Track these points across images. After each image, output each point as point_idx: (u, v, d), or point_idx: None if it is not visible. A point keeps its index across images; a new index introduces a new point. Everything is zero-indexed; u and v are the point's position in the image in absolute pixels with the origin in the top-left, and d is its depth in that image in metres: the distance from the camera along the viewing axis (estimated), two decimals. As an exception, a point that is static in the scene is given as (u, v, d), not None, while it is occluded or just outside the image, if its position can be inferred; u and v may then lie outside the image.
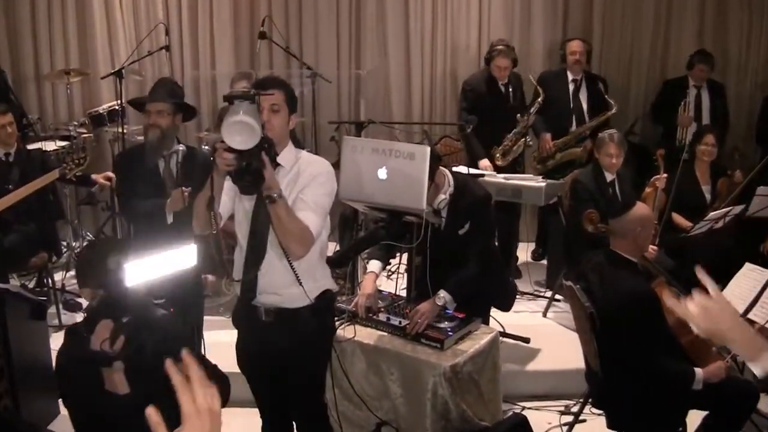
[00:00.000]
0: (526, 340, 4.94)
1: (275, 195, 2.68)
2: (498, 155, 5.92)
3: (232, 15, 6.90)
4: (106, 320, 2.52)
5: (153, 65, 6.86)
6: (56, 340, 4.86)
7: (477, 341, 3.73)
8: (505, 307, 4.49)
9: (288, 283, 2.98)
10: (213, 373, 2.83)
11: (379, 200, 3.40)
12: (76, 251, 6.31)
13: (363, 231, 5.29)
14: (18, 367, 3.89)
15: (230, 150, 2.52)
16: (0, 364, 3.81)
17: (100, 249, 2.72)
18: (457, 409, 3.53)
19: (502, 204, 5.16)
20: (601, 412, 3.82)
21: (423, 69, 7.06)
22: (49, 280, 5.39)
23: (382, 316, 3.81)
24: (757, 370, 1.74)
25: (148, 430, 1.25)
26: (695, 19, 7.05)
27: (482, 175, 5.35)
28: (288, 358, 3.09)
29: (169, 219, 3.79)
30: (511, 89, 6.15)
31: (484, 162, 5.84)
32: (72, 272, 6.12)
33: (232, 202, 3.02)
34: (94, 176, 5.34)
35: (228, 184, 2.79)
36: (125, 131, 5.65)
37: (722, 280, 4.56)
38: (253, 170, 2.55)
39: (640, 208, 3.69)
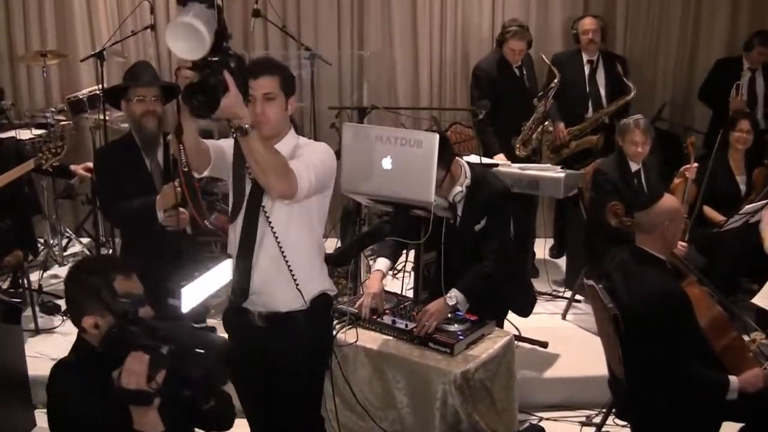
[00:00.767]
0: (544, 345, 4.92)
1: (246, 126, 2.56)
2: (518, 145, 5.90)
3: (223, -9, 6.88)
4: (136, 352, 2.23)
5: (137, 46, 6.85)
6: (32, 345, 4.90)
7: (490, 346, 3.72)
8: (524, 312, 4.47)
9: (282, 283, 2.97)
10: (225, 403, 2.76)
11: (383, 192, 3.38)
12: (54, 249, 6.32)
13: (366, 226, 5.27)
14: (-10, 375, 3.90)
15: (191, 68, 2.36)
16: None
17: (100, 270, 2.48)
18: (468, 419, 3.52)
19: (518, 196, 5.14)
20: (625, 423, 3.80)
21: (431, 50, 7.04)
22: (25, 281, 5.39)
23: (387, 319, 3.80)
24: None
25: None
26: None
27: (496, 165, 5.33)
28: (280, 367, 3.09)
29: (160, 217, 3.77)
30: (525, 71, 6.13)
31: (501, 157, 5.81)
32: (51, 272, 6.12)
33: (224, 150, 2.97)
34: (73, 167, 5.33)
35: (224, 142, 2.74)
36: (107, 118, 5.64)
37: (758, 279, 4.57)
38: (208, 87, 2.36)
39: (668, 201, 3.66)
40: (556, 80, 5.93)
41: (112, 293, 2.38)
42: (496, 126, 5.83)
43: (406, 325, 3.73)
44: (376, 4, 6.98)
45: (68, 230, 6.58)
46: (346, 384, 3.65)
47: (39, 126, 6.13)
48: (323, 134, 6.09)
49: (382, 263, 3.97)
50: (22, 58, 6.60)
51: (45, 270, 6.02)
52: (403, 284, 4.96)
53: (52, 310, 5.42)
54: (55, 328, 5.22)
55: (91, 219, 6.23)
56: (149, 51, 6.77)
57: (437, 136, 3.34)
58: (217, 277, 3.09)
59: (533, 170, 5.35)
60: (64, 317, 5.34)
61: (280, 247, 2.95)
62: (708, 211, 5.38)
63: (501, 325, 4.18)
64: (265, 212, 2.95)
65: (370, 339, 3.74)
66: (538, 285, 5.70)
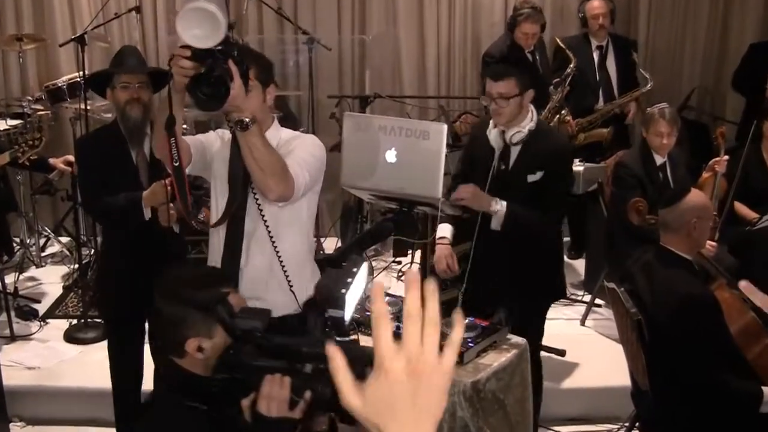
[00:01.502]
0: (562, 353, 4.92)
1: (247, 120, 2.59)
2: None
3: (214, -30, 6.89)
4: (273, 375, 2.07)
5: (121, 30, 6.86)
6: (7, 353, 4.91)
7: (503, 354, 3.71)
8: (555, 295, 4.39)
9: (274, 286, 2.97)
10: None
11: (387, 187, 3.36)
12: (31, 249, 6.32)
13: (368, 224, 5.27)
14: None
15: (190, 57, 2.39)
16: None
17: (209, 284, 2.34)
18: (479, 434, 3.52)
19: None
20: (650, 437, 3.80)
21: (439, 34, 7.04)
22: (0, 283, 5.40)
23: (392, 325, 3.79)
24: None
25: None
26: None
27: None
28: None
29: (147, 214, 3.76)
30: (538, 57, 6.12)
31: None
32: (27, 273, 6.13)
33: (206, 157, 2.99)
34: (51, 160, 5.33)
35: (204, 136, 2.74)
36: (89, 108, 5.64)
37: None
38: (215, 78, 2.39)
39: (696, 197, 3.66)
40: (572, 65, 5.93)
41: (229, 310, 2.22)
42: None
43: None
44: (379, -16, 7.00)
45: (46, 229, 6.59)
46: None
47: (15, 116, 6.14)
48: (322, 125, 6.10)
49: (444, 229, 4.03)
50: (-4, 43, 6.62)
51: (21, 272, 6.03)
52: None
53: (28, 315, 5.43)
54: (32, 334, 5.23)
55: (72, 217, 6.24)
56: (134, 35, 6.78)
57: (445, 126, 3.32)
58: (359, 282, 3.05)
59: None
60: (42, 323, 5.36)
61: (275, 248, 2.95)
62: (740, 207, 5.37)
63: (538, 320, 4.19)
64: (261, 212, 2.94)
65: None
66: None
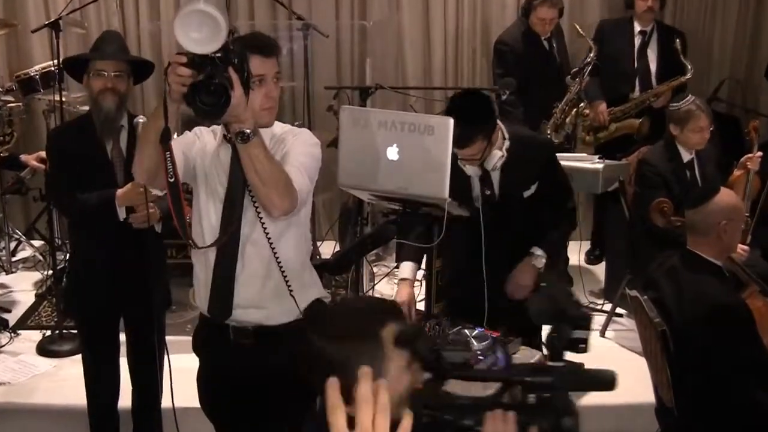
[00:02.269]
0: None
1: (248, 131, 2.59)
2: (549, 131, 5.90)
3: (201, -50, 6.90)
4: (493, 412, 2.06)
5: (99, 15, 6.87)
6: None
7: (516, 368, 3.71)
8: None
9: (272, 293, 2.98)
10: None
11: (389, 187, 3.37)
12: (1, 254, 6.32)
13: (369, 227, 5.28)
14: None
15: (188, 64, 2.40)
16: None
17: (374, 317, 2.20)
18: (489, 455, 3.51)
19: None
20: (675, 459, 3.79)
21: (446, 20, 7.05)
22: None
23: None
24: None
25: None
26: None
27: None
28: (269, 392, 3.08)
29: (121, 215, 3.75)
30: (555, 44, 6.12)
31: None
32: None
33: (188, 161, 3.00)
34: (23, 157, 5.34)
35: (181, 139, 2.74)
36: (64, 100, 5.64)
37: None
38: (215, 86, 2.40)
39: (726, 196, 3.66)
40: (591, 54, 5.93)
41: (427, 345, 2.16)
42: (522, 108, 5.83)
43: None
44: (381, -35, 7.01)
45: (17, 232, 6.60)
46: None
47: (-17, 109, 6.15)
48: (319, 119, 6.10)
49: (407, 269, 3.95)
50: (-38, 29, 6.62)
51: (-10, 278, 6.04)
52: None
53: (-2, 325, 5.45)
54: (1, 347, 5.23)
55: (45, 218, 6.23)
56: (113, 21, 6.79)
57: (452, 120, 3.32)
58: None
59: (566, 160, 5.32)
60: (13, 334, 5.36)
61: (274, 252, 2.95)
62: (774, 208, 5.38)
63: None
64: (259, 214, 2.93)
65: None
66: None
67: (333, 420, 1.33)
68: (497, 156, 3.80)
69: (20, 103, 6.28)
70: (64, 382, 4.75)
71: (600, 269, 6.39)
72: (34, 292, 6.00)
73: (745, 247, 4.73)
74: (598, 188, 5.33)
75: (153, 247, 3.85)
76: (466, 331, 3.73)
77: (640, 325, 3.88)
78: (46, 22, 5.76)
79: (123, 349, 4.05)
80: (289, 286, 2.96)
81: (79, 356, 4.19)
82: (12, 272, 6.36)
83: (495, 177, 3.89)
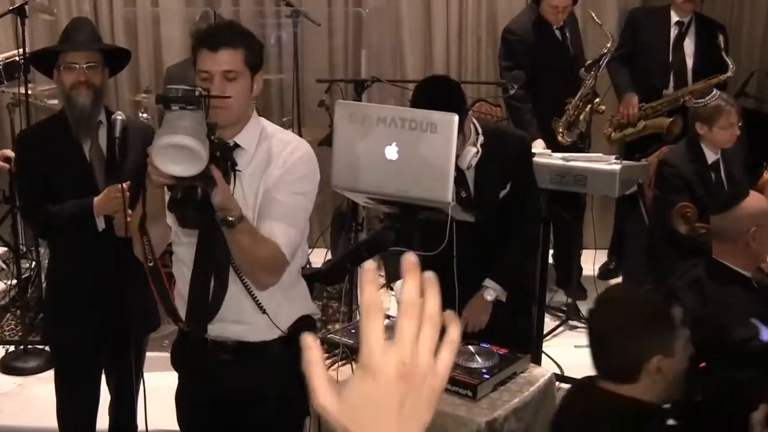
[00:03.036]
0: (594, 387, 4.92)
1: (233, 219, 2.69)
2: (561, 129, 5.90)
3: (181, -70, 6.93)
4: None
5: (68, 0, 6.87)
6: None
7: (524, 388, 3.71)
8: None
9: (252, 308, 2.98)
10: None
11: (387, 189, 3.37)
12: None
13: (364, 233, 5.28)
14: None
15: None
16: None
17: (654, 297, 2.68)
18: (496, 483, 3.52)
19: (560, 195, 5.15)
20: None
21: (448, 7, 7.07)
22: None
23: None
24: None
25: None
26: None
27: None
28: (250, 412, 3.10)
29: (100, 225, 3.73)
30: (568, 35, 6.14)
31: (539, 143, 5.81)
32: None
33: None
34: (-14, 156, 5.34)
35: None
36: (30, 92, 5.65)
37: None
38: (196, 199, 2.56)
39: (756, 201, 3.66)
40: (608, 45, 5.94)
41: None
42: (532, 104, 5.84)
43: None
44: (377, -53, 7.03)
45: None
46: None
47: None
48: (309, 114, 6.11)
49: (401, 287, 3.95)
50: None
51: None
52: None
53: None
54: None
55: (9, 222, 6.22)
56: (84, 6, 6.80)
57: (456, 117, 3.32)
58: None
59: (580, 161, 5.34)
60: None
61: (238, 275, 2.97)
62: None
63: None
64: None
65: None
66: (587, 309, 5.70)
67: (367, 325, 1.13)
68: (471, 153, 3.78)
69: (-18, 97, 6.30)
70: (29, 402, 4.75)
71: (616, 280, 6.40)
72: (-3, 303, 6.01)
73: (776, 256, 4.74)
74: (614, 191, 5.31)
75: (135, 261, 3.82)
76: (470, 347, 3.75)
77: (661, 342, 3.88)
78: (11, 8, 5.77)
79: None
80: (259, 305, 2.96)
81: (46, 374, 4.18)
82: (-27, 282, 6.36)
83: (470, 177, 3.88)
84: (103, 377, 4.00)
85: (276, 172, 2.97)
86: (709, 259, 3.69)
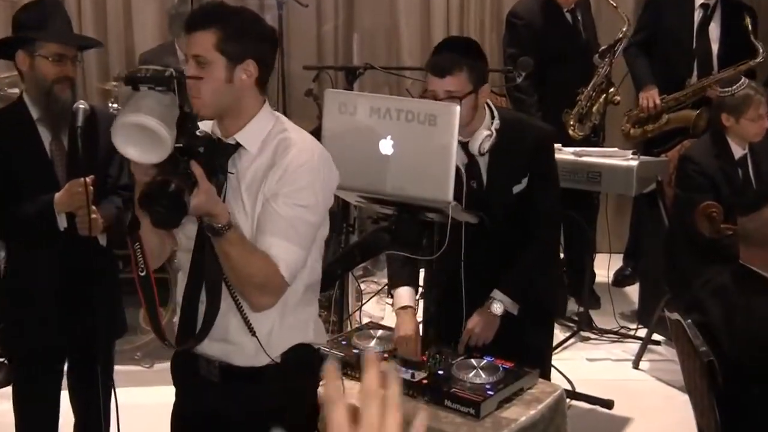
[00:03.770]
0: (608, 405, 4.92)
1: (219, 226, 2.63)
2: (572, 122, 5.90)
3: None
4: None
5: (33, -19, 6.86)
6: None
7: (531, 405, 3.69)
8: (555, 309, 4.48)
9: (239, 326, 2.92)
10: None
11: (381, 187, 3.36)
12: None
13: (356, 235, 5.27)
14: None
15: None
16: None
17: None
18: None
19: (572, 194, 5.14)
20: None
21: (449, -13, 7.07)
22: None
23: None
24: None
25: None
26: None
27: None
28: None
29: (61, 223, 3.71)
30: (580, 18, 6.13)
31: None
32: None
33: None
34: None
35: None
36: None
37: None
38: (171, 192, 2.49)
39: (787, 201, 3.66)
40: (624, 29, 5.94)
41: None
42: (540, 94, 5.84)
43: (413, 375, 3.71)
44: None
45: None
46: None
47: None
48: (295, 104, 6.10)
49: (406, 296, 3.90)
50: None
51: None
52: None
53: None
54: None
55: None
56: (50, -13, 6.78)
57: (458, 108, 3.31)
58: None
59: (594, 156, 5.35)
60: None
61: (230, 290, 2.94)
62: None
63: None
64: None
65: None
66: (601, 320, 5.69)
67: (331, 414, 1.27)
68: (483, 135, 3.72)
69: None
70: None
71: (633, 289, 6.40)
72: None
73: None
74: (632, 190, 5.33)
75: (99, 261, 3.80)
76: (473, 360, 3.73)
77: (682, 355, 3.88)
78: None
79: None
80: (250, 327, 2.91)
81: (8, 389, 4.15)
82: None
83: (482, 164, 3.83)
84: (67, 397, 3.99)
85: (274, 179, 2.84)
86: (735, 265, 3.68)
